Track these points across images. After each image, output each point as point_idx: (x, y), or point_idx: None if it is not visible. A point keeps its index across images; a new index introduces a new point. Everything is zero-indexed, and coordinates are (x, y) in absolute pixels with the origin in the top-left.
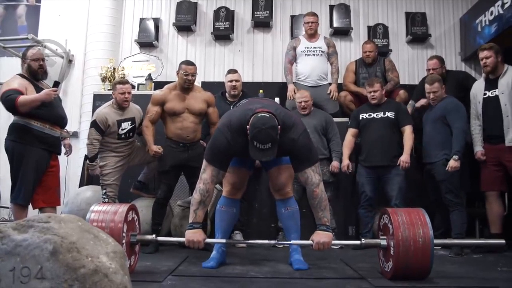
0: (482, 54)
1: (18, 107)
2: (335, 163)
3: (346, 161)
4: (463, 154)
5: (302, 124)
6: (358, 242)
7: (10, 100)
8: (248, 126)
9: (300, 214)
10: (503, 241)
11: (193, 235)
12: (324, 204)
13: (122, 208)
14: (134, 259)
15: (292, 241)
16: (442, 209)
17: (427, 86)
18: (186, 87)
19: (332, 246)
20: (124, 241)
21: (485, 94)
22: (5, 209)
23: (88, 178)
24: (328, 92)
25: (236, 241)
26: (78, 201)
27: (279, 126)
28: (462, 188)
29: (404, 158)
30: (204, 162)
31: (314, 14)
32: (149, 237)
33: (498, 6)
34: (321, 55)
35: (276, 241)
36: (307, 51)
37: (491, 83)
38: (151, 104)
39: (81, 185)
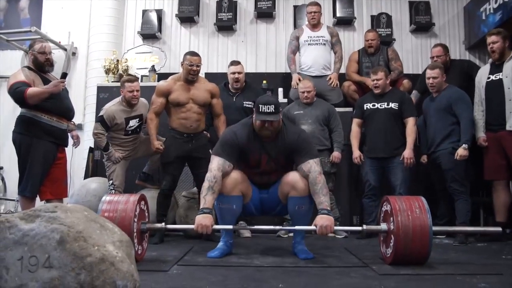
0: (490, 39)
1: (27, 99)
2: (335, 153)
3: (357, 152)
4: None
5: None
6: (359, 228)
7: (19, 92)
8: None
9: None
10: (499, 228)
11: (203, 219)
12: (326, 190)
13: (133, 198)
14: (144, 247)
15: (297, 227)
16: (447, 198)
17: (428, 71)
18: (190, 78)
19: (337, 236)
20: (135, 229)
21: (488, 78)
22: (11, 202)
23: (93, 170)
24: (328, 79)
25: (242, 227)
26: (83, 192)
27: (280, 108)
28: (467, 177)
29: (407, 154)
30: (212, 156)
31: (317, 4)
32: (158, 225)
33: None
34: (324, 44)
35: (281, 227)
36: (310, 40)
37: (496, 67)
38: (156, 95)
39: (86, 177)
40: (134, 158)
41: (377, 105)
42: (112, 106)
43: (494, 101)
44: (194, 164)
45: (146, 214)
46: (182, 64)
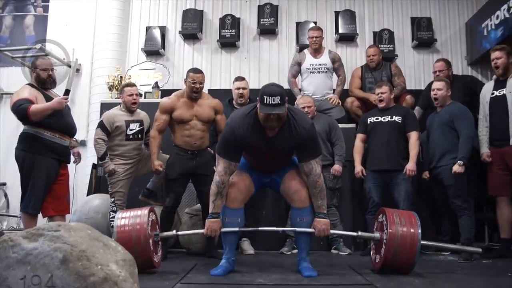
0: (494, 55)
1: (30, 116)
2: (336, 166)
3: (359, 167)
4: (471, 159)
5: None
6: (354, 233)
7: (22, 110)
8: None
9: None
10: (479, 249)
11: (212, 224)
12: (324, 194)
13: (143, 211)
14: (159, 255)
15: (297, 228)
16: (449, 214)
17: (434, 83)
18: (194, 96)
19: (340, 253)
20: (150, 240)
21: (492, 93)
22: (13, 218)
23: (96, 187)
24: (329, 98)
25: (250, 229)
26: (86, 209)
27: (286, 98)
28: (470, 193)
29: (410, 167)
30: (217, 156)
31: (319, 29)
32: (170, 233)
33: (504, 10)
34: (326, 72)
35: (283, 228)
36: (312, 68)
37: (500, 83)
38: (159, 112)
39: (89, 193)
40: (138, 175)
41: (381, 118)
42: (112, 110)
43: (498, 116)
44: (198, 181)
45: (157, 225)
46: (185, 81)
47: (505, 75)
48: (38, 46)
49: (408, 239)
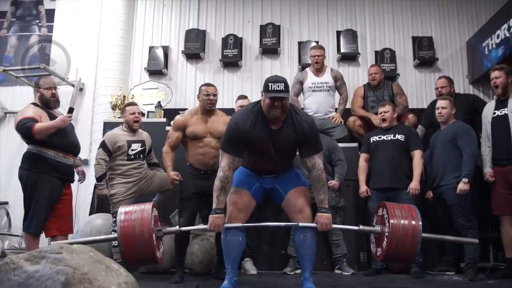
0: (493, 74)
1: (35, 134)
2: (333, 182)
3: (363, 187)
4: (474, 178)
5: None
6: (356, 227)
7: (26, 128)
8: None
9: None
10: (476, 240)
11: (216, 219)
12: (325, 189)
13: (147, 206)
14: (161, 251)
15: (300, 223)
16: (453, 233)
17: (439, 101)
18: (208, 108)
19: (344, 273)
20: (154, 235)
21: (494, 113)
22: (15, 237)
23: (98, 206)
24: (331, 117)
25: (255, 225)
26: (88, 229)
27: (289, 87)
28: (474, 213)
29: (414, 185)
30: (220, 152)
31: (321, 48)
32: (173, 229)
33: (504, 29)
34: (328, 90)
35: (286, 224)
36: (314, 87)
37: (501, 103)
38: (172, 130)
39: (91, 212)
40: (145, 193)
41: (383, 137)
42: (113, 130)
43: (500, 136)
44: (210, 202)
45: (159, 222)
46: (198, 97)
47: (505, 95)
48: (42, 65)
49: (409, 230)
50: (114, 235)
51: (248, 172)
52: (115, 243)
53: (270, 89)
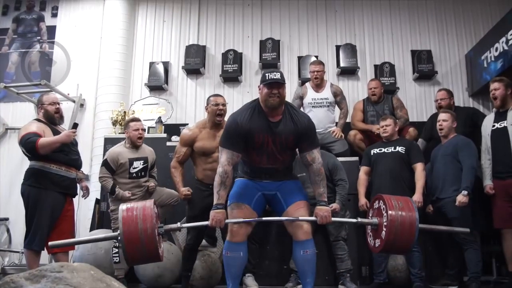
0: (492, 86)
1: (39, 149)
2: (334, 205)
3: (363, 200)
4: (475, 191)
5: None
6: (354, 220)
7: (30, 143)
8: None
9: None
10: (467, 229)
11: (217, 214)
12: (325, 182)
13: (148, 203)
14: (162, 248)
15: (300, 218)
16: (455, 247)
17: (440, 114)
18: (218, 120)
19: None
20: (156, 230)
21: (493, 126)
22: (15, 253)
23: (99, 222)
24: (332, 131)
25: (253, 219)
26: (88, 245)
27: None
28: (476, 227)
29: (416, 198)
30: (220, 148)
31: (320, 63)
32: (174, 226)
33: (502, 42)
34: (328, 106)
35: (285, 218)
36: (314, 103)
37: (500, 115)
38: (180, 145)
39: (92, 228)
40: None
41: (384, 150)
42: (116, 148)
43: (500, 149)
44: None
45: (159, 220)
46: (206, 109)
47: (504, 107)
48: (43, 82)
49: (407, 219)
50: (116, 233)
51: (248, 183)
52: (117, 259)
53: (267, 78)
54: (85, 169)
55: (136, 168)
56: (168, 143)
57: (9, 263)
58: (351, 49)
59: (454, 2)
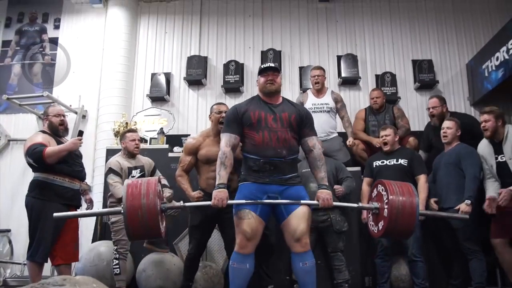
0: (482, 118)
1: (46, 158)
2: (339, 186)
3: (365, 213)
4: (479, 201)
5: None
6: (355, 204)
7: (37, 153)
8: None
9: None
10: (466, 216)
11: (219, 193)
12: (325, 167)
13: (153, 180)
14: (164, 224)
15: (302, 201)
16: (459, 257)
17: (445, 122)
18: (222, 127)
19: None
20: (159, 208)
21: (496, 158)
22: (17, 265)
23: (101, 233)
24: (349, 142)
25: (258, 202)
26: (91, 256)
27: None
28: (480, 236)
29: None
30: (221, 135)
31: (320, 68)
32: (176, 204)
33: (503, 51)
34: (328, 111)
35: (285, 201)
36: (314, 108)
37: (498, 147)
38: (184, 154)
39: (94, 239)
40: None
41: (386, 162)
42: (114, 158)
43: (507, 180)
44: (222, 222)
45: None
46: (210, 118)
47: (497, 138)
48: (46, 93)
49: (407, 203)
50: (119, 208)
51: (251, 188)
52: (117, 270)
53: (263, 67)
54: (87, 180)
55: (134, 176)
56: (170, 154)
57: (11, 275)
58: (352, 59)
59: (454, 11)
